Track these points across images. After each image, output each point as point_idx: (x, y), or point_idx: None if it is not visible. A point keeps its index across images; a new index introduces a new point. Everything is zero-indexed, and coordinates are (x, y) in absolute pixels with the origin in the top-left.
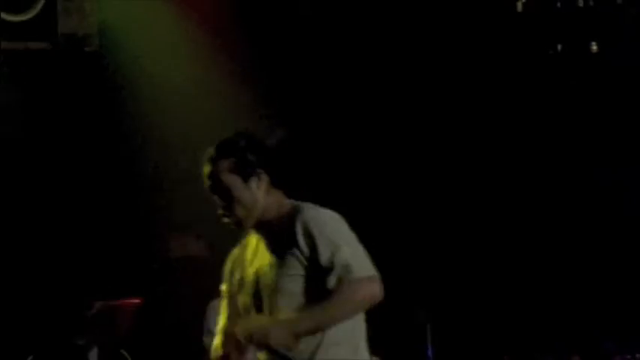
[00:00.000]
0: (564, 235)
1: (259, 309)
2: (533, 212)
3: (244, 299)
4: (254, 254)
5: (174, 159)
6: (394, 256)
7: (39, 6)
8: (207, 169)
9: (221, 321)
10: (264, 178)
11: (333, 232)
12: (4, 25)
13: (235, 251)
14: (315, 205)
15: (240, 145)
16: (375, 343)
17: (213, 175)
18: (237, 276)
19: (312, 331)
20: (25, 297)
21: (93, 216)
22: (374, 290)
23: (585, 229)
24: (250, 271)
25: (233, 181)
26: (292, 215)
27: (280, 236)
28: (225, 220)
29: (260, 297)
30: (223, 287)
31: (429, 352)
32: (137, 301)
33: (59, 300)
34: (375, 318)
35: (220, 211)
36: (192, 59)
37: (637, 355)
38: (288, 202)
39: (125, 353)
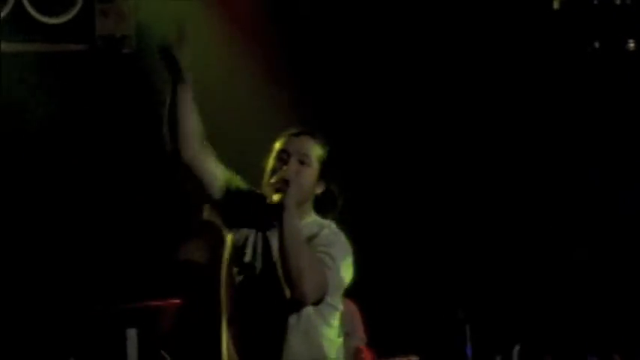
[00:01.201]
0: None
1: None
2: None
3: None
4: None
5: None
6: (434, 256)
7: (76, 8)
8: (305, 142)
9: None
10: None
11: (342, 249)
12: (42, 27)
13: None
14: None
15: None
16: (414, 342)
17: (307, 151)
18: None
19: (289, 233)
20: (66, 295)
21: (131, 216)
22: (317, 288)
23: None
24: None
25: (315, 168)
26: (321, 223)
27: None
28: (275, 187)
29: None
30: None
31: (468, 351)
32: (177, 301)
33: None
34: (415, 317)
35: (275, 180)
36: (227, 59)
37: None
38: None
39: (165, 355)
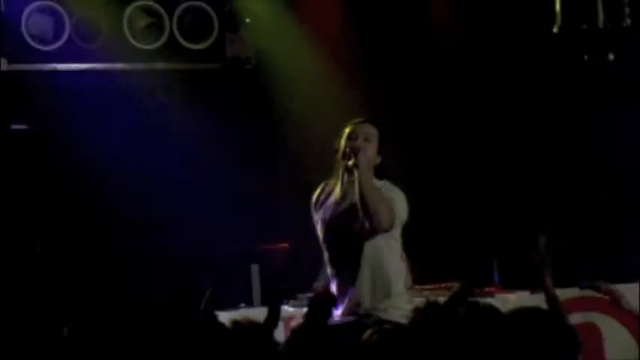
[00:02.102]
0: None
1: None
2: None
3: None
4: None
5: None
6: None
7: (213, 37)
8: (368, 127)
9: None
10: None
11: (399, 196)
12: (186, 51)
13: (317, 194)
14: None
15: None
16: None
17: (369, 132)
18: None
19: (365, 182)
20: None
21: None
22: (389, 217)
23: None
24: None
25: (375, 144)
26: (379, 182)
27: None
28: (349, 162)
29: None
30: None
31: (495, 278)
32: (285, 245)
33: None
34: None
35: (350, 149)
36: (324, 75)
37: None
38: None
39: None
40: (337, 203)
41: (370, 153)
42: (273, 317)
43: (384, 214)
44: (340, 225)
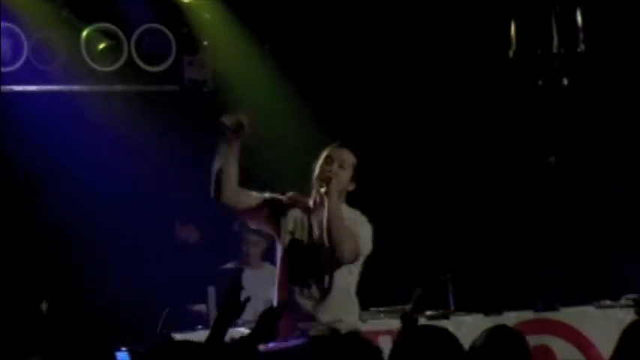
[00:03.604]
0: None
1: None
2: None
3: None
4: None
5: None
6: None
7: (170, 60)
8: (344, 152)
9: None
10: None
11: (366, 229)
12: (144, 73)
13: (294, 213)
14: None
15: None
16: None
17: (345, 158)
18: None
19: (332, 207)
20: None
21: None
22: (353, 250)
23: None
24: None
25: (349, 171)
26: (349, 210)
27: None
28: (321, 189)
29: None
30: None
31: (451, 300)
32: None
33: None
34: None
35: (322, 178)
36: (282, 98)
37: None
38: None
39: None
40: (309, 224)
41: (343, 180)
42: (221, 321)
43: (348, 248)
44: (308, 248)
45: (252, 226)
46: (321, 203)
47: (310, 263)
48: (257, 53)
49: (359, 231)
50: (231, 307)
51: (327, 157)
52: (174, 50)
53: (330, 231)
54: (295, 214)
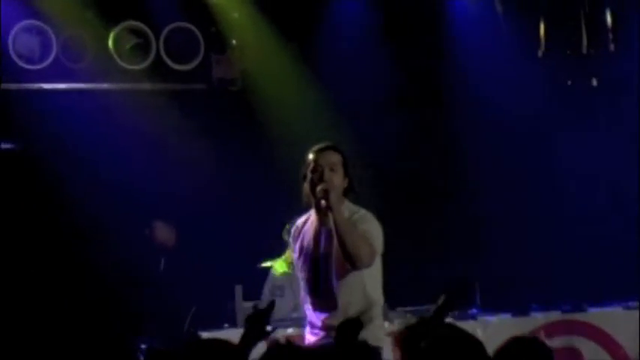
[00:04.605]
0: None
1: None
2: None
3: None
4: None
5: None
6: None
7: (199, 59)
8: (330, 155)
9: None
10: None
11: (375, 226)
12: (172, 71)
13: (299, 224)
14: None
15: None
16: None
17: (333, 161)
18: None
19: (339, 219)
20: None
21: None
22: (370, 254)
23: None
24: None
25: (341, 171)
26: (351, 207)
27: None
28: (322, 203)
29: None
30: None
31: (477, 300)
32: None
33: None
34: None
35: (319, 191)
36: (310, 96)
37: None
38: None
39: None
40: (317, 236)
41: (337, 182)
42: (248, 337)
43: (365, 254)
44: (321, 259)
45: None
46: (325, 214)
47: (322, 274)
48: (285, 52)
49: (369, 232)
50: (256, 335)
51: (315, 165)
52: (202, 49)
53: (343, 244)
54: (306, 230)
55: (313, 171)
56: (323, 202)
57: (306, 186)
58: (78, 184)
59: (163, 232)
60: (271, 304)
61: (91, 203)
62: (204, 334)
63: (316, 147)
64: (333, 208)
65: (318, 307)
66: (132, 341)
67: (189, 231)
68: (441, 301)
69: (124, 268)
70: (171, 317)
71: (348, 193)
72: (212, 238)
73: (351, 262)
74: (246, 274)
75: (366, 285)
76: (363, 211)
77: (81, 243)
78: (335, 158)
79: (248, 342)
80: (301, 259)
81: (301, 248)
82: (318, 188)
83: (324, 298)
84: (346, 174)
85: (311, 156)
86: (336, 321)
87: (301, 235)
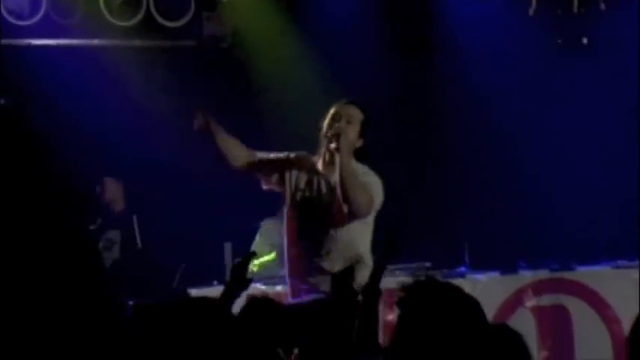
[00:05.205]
0: None
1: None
2: None
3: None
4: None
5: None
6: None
7: (189, 15)
8: (351, 108)
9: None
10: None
11: (376, 182)
12: (163, 28)
13: (301, 171)
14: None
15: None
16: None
17: (352, 114)
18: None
19: (345, 163)
20: None
21: None
22: (368, 203)
23: None
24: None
25: (357, 127)
26: (357, 165)
27: None
28: (331, 145)
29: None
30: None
31: (466, 260)
32: None
33: None
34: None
35: (331, 134)
36: (300, 55)
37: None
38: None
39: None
40: (317, 182)
41: (351, 136)
42: (230, 289)
43: (363, 201)
44: (317, 205)
45: (264, 186)
46: (330, 161)
47: (320, 219)
48: (275, 9)
49: (370, 184)
50: (238, 284)
51: (335, 113)
52: (192, 6)
53: (343, 186)
54: (302, 172)
55: (331, 119)
56: (333, 144)
57: (321, 133)
58: (67, 141)
59: (112, 190)
60: (251, 254)
61: (80, 160)
62: (194, 292)
63: (342, 101)
64: (341, 151)
65: (305, 252)
66: (119, 298)
67: (178, 188)
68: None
69: (109, 225)
70: (159, 275)
71: (359, 155)
72: (201, 195)
73: (349, 207)
74: (236, 232)
75: (358, 238)
76: (366, 168)
77: (70, 200)
78: (355, 113)
79: (230, 293)
80: (288, 199)
81: (296, 189)
82: (331, 131)
83: (316, 244)
84: (362, 135)
85: (333, 107)
86: (328, 267)
87: (297, 175)
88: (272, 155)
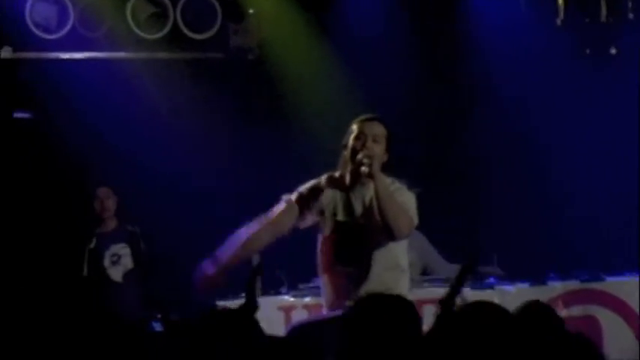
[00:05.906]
0: None
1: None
2: None
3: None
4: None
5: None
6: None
7: (216, 27)
8: (376, 126)
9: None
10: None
11: (412, 200)
12: (190, 40)
13: (333, 193)
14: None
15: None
16: None
17: (378, 132)
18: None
19: (381, 188)
20: None
21: None
22: (409, 225)
23: None
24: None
25: (383, 144)
26: (388, 182)
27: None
28: (363, 169)
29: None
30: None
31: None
32: None
33: None
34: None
35: (365, 159)
36: (322, 61)
37: None
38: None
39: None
40: (352, 205)
41: (379, 155)
42: (249, 301)
43: (404, 225)
44: (355, 228)
45: (302, 226)
46: (358, 181)
47: (356, 243)
48: (302, 21)
49: (407, 204)
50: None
51: (360, 132)
52: (219, 18)
53: (383, 211)
54: (337, 195)
55: (356, 139)
56: (364, 169)
57: (346, 153)
58: (94, 154)
59: (105, 200)
60: (259, 266)
61: (105, 172)
62: (221, 303)
63: (363, 117)
64: (375, 176)
65: (347, 277)
66: (148, 311)
67: (207, 201)
68: (458, 272)
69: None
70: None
71: (385, 168)
72: (229, 207)
73: (390, 233)
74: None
75: (398, 255)
76: (397, 183)
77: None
78: (379, 130)
79: (250, 305)
80: (327, 225)
81: (326, 213)
82: (361, 155)
83: (355, 269)
84: (388, 149)
85: (355, 125)
86: (366, 291)
87: (319, 200)
88: (304, 192)
